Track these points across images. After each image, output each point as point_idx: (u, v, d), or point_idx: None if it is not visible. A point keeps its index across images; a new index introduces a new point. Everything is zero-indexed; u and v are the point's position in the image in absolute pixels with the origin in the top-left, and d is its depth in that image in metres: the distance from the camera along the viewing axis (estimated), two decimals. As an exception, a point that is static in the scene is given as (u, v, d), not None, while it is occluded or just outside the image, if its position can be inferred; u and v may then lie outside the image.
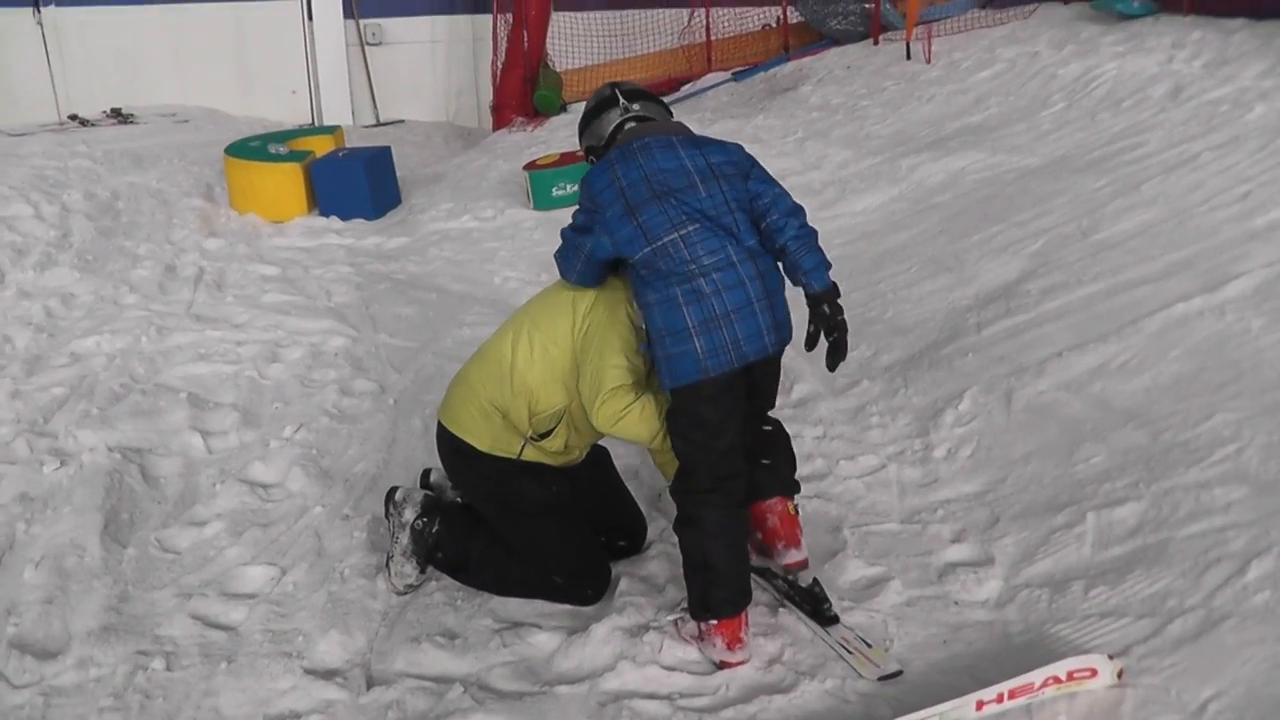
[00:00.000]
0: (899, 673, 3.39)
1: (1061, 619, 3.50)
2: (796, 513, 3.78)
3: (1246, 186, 6.10)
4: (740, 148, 3.67)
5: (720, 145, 3.63)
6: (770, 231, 3.48)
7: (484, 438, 3.79)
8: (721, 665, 3.45)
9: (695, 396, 3.43)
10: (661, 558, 4.02)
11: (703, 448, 3.48)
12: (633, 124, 3.72)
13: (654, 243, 3.43)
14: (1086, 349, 4.98)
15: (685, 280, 3.39)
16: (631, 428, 3.57)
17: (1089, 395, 4.70)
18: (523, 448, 3.79)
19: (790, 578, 3.76)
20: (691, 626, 3.53)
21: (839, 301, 3.52)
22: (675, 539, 3.95)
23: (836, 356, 3.52)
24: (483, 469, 3.84)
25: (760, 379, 3.64)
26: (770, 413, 3.86)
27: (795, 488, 3.84)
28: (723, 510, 3.47)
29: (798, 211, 3.52)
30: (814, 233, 3.53)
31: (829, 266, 3.53)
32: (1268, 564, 3.36)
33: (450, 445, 3.90)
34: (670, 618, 3.62)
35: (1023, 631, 3.51)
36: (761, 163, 3.66)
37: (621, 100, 3.77)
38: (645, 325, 3.54)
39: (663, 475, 3.87)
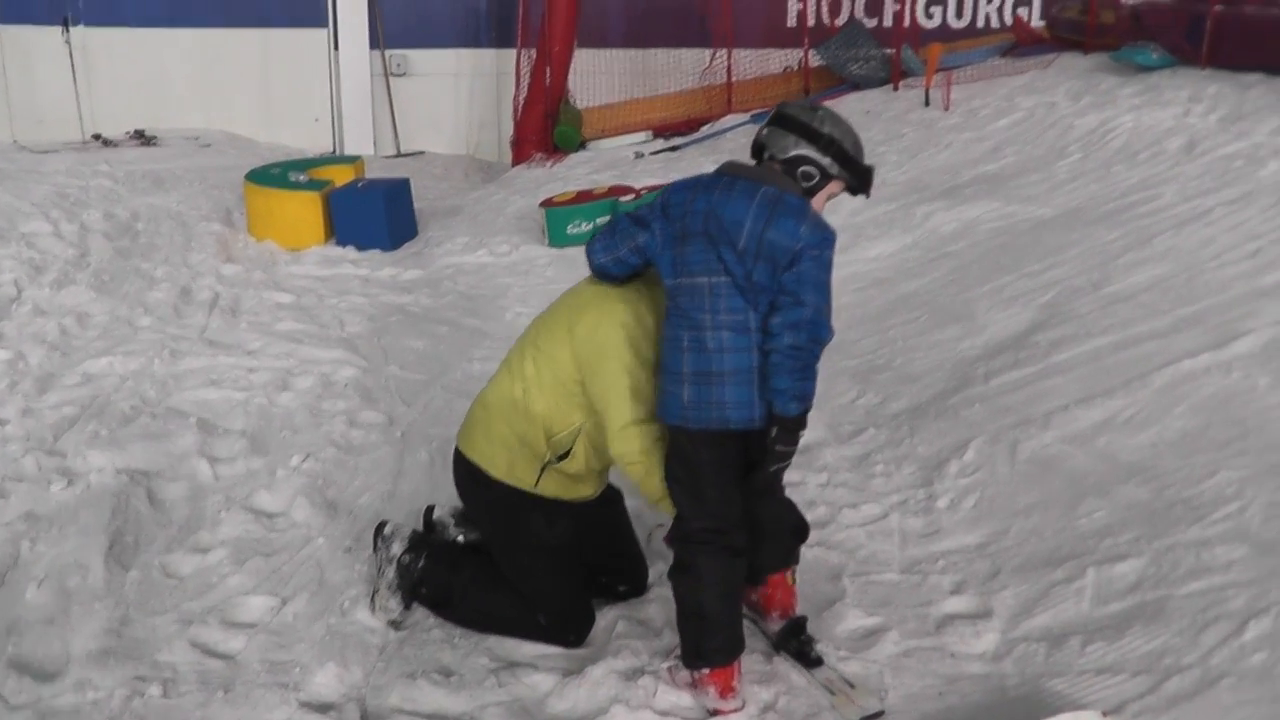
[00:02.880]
0: (880, 713, 3.41)
1: (1058, 674, 3.50)
2: (794, 581, 3.81)
3: (1257, 243, 6.13)
4: (815, 237, 3.27)
5: (791, 223, 3.26)
6: (767, 332, 3.29)
7: (499, 464, 3.77)
8: (714, 714, 3.45)
9: (686, 438, 3.42)
10: (659, 601, 4.01)
11: (693, 494, 3.46)
12: (756, 156, 3.51)
13: (684, 277, 3.37)
14: (1093, 403, 4.99)
15: (695, 329, 3.33)
16: (634, 478, 3.60)
17: (1094, 449, 4.70)
18: (540, 476, 3.75)
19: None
20: (685, 674, 3.53)
21: (796, 433, 3.37)
22: (672, 583, 3.97)
23: (760, 480, 3.47)
24: (495, 497, 3.81)
25: (759, 454, 3.48)
26: None
27: (797, 558, 3.84)
28: (718, 559, 3.44)
29: (803, 328, 3.25)
30: (806, 354, 3.28)
31: (800, 397, 3.30)
32: (1266, 624, 3.37)
33: (465, 469, 3.88)
34: (665, 664, 3.62)
35: (1019, 685, 3.51)
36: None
37: (767, 121, 3.51)
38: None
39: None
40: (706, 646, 3.44)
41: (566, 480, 3.80)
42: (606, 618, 3.94)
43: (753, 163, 3.50)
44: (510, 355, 3.85)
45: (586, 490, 3.91)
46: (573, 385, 3.62)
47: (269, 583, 4.19)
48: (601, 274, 3.68)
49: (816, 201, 3.41)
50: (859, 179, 3.48)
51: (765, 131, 3.45)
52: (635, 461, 3.54)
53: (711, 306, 3.31)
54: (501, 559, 3.87)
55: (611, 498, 4.15)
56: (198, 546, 4.45)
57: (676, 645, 3.61)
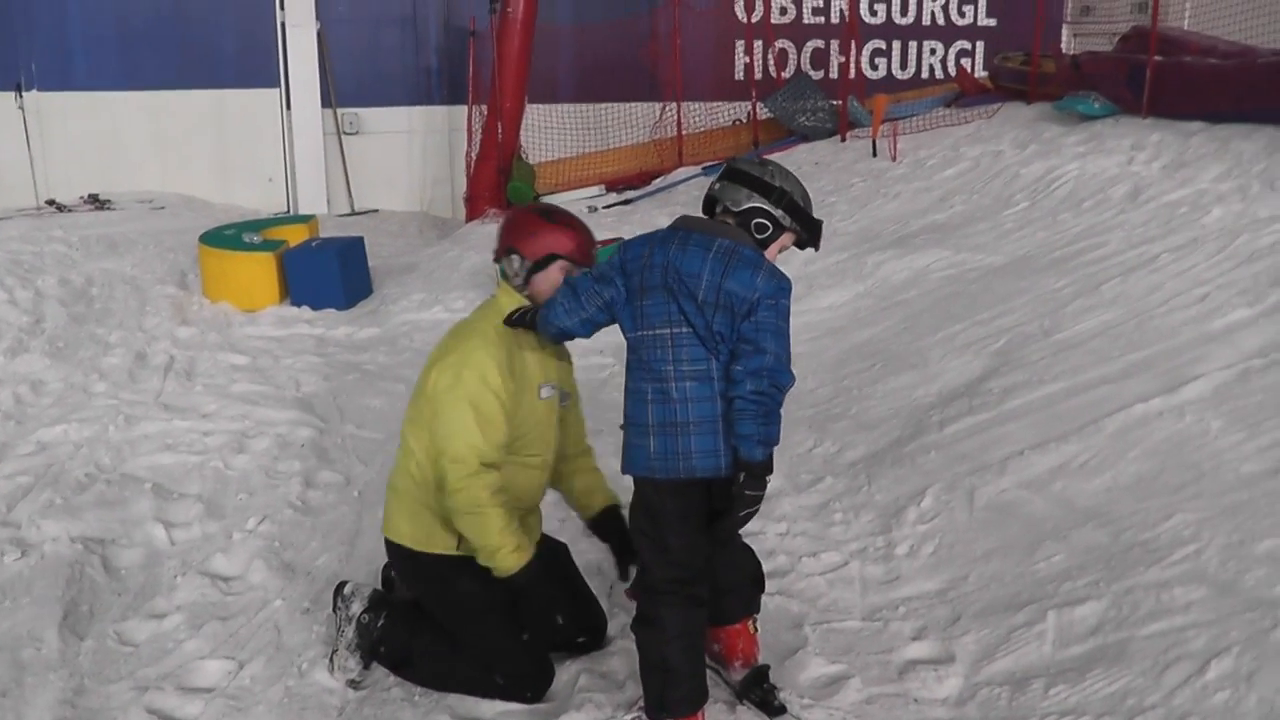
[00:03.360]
0: None
1: (1021, 717, 3.51)
2: (756, 630, 3.81)
3: (1204, 289, 6.23)
4: (770, 286, 3.32)
5: (748, 274, 3.30)
6: (730, 380, 3.29)
7: (420, 538, 3.85)
8: None
9: (651, 488, 3.43)
10: (622, 654, 3.99)
11: (658, 545, 3.45)
12: (709, 210, 3.55)
13: (645, 330, 3.39)
14: (1048, 448, 5.04)
15: (658, 380, 3.35)
16: (469, 530, 3.65)
17: (1050, 494, 4.75)
18: (459, 538, 3.79)
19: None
20: (637, 710, 3.53)
21: (763, 478, 3.37)
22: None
23: (727, 527, 3.46)
24: (425, 569, 3.88)
25: (723, 503, 3.47)
26: None
27: (758, 606, 3.86)
28: (681, 610, 3.44)
29: (764, 375, 3.27)
30: (768, 401, 3.29)
31: (765, 442, 3.31)
32: (1228, 663, 3.40)
33: (394, 553, 3.97)
34: (628, 716, 3.61)
35: (982, 731, 3.52)
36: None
37: (719, 176, 3.55)
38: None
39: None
40: (670, 698, 3.44)
41: None
42: (569, 671, 3.92)
43: (705, 217, 3.54)
44: (401, 433, 3.95)
45: None
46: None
47: (226, 646, 4.14)
48: (562, 338, 3.75)
49: (769, 253, 3.45)
50: (809, 231, 3.53)
51: (718, 186, 3.49)
52: (470, 512, 3.60)
53: (674, 357, 3.34)
54: (450, 626, 3.87)
55: (557, 551, 4.19)
56: (153, 613, 4.40)
57: (639, 698, 3.60)
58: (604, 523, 4.11)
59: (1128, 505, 4.50)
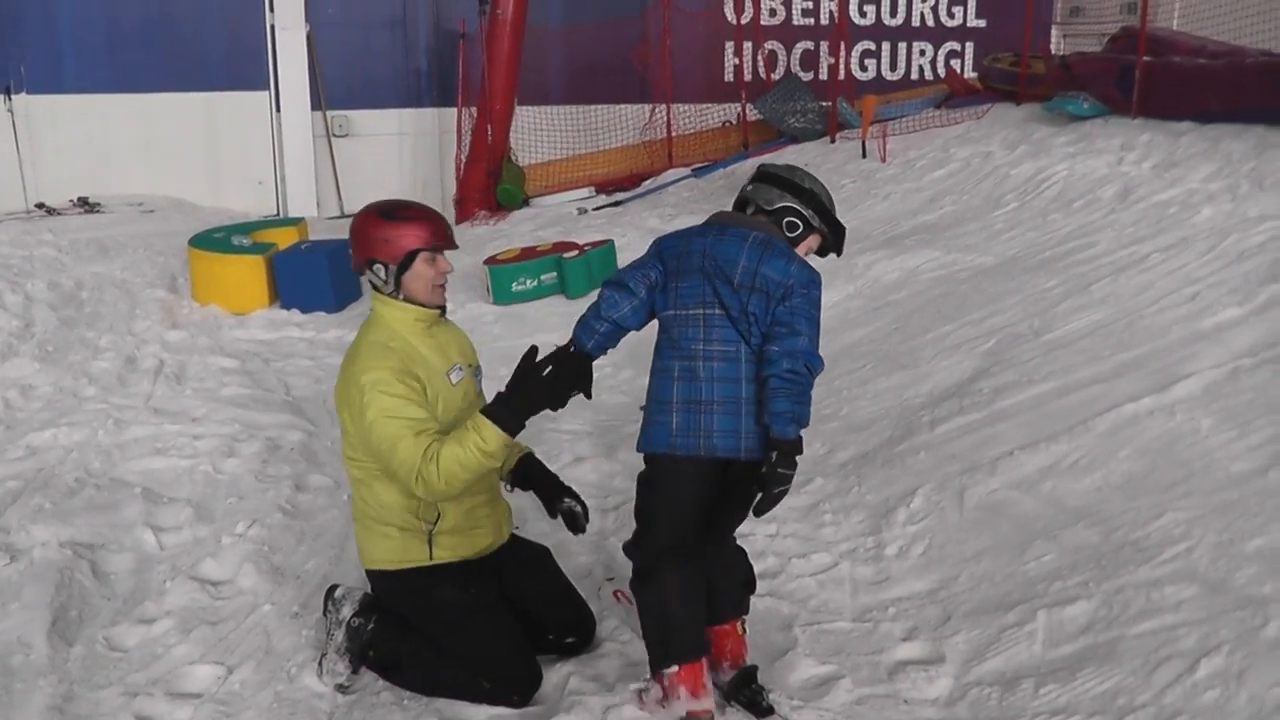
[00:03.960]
0: None
1: (1012, 717, 3.53)
2: (744, 631, 3.84)
3: (1195, 288, 6.24)
4: (804, 275, 3.55)
5: (782, 262, 3.51)
6: (764, 360, 3.44)
7: (394, 557, 3.85)
8: (689, 717, 3.50)
9: (664, 466, 3.54)
10: (612, 656, 4.01)
11: (665, 514, 3.57)
12: (740, 210, 3.74)
13: (678, 309, 3.57)
14: (1038, 448, 5.05)
15: (688, 358, 3.52)
16: (465, 471, 3.54)
17: (1041, 494, 4.76)
18: (431, 547, 3.82)
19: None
20: (655, 691, 3.57)
21: (794, 456, 3.45)
22: (625, 638, 3.99)
23: (761, 505, 3.47)
24: (405, 584, 3.88)
25: (732, 494, 3.62)
26: None
27: (747, 608, 3.88)
28: (679, 566, 3.54)
29: (799, 356, 3.43)
30: (802, 381, 3.45)
31: (798, 420, 3.44)
32: (1218, 662, 3.41)
33: (374, 580, 3.99)
34: (634, 687, 3.65)
35: (972, 731, 3.53)
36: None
37: (751, 179, 3.77)
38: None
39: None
40: (674, 645, 3.53)
41: (457, 538, 3.87)
42: (559, 674, 3.91)
43: (740, 213, 3.72)
44: (345, 468, 3.96)
45: (484, 539, 3.97)
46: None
47: (215, 651, 4.13)
48: (616, 334, 3.75)
49: (798, 251, 3.64)
50: (834, 234, 3.78)
51: (750, 187, 3.72)
52: (444, 476, 3.51)
53: (705, 337, 3.51)
54: (437, 636, 3.86)
55: (540, 556, 4.19)
56: (143, 618, 4.38)
57: (639, 678, 3.65)
58: (523, 472, 4.10)
59: (1118, 504, 4.51)
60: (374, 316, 3.82)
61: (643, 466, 3.69)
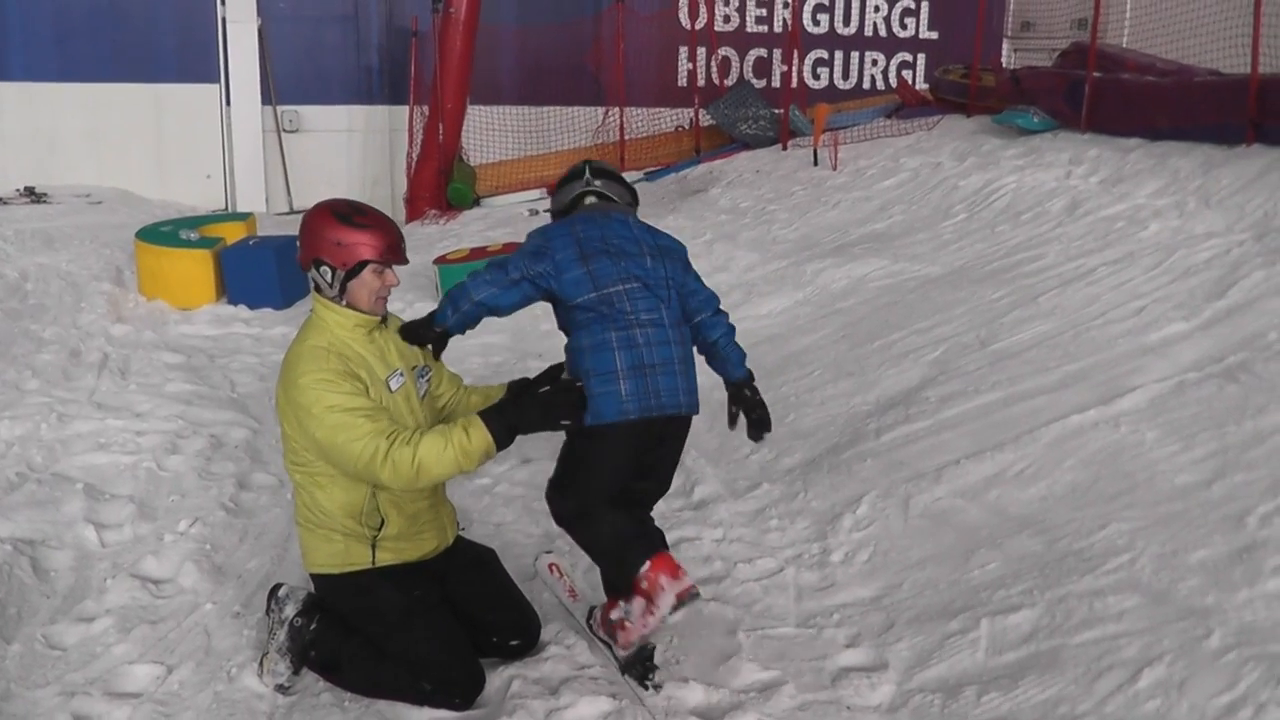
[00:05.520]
0: None
1: (954, 725, 3.54)
2: None
3: (1141, 302, 6.30)
4: (683, 246, 4.15)
5: (668, 235, 4.11)
6: (703, 326, 4.04)
7: (336, 561, 3.82)
8: (678, 601, 3.59)
9: (597, 439, 3.68)
10: (557, 659, 3.98)
11: (599, 474, 3.75)
12: (593, 199, 4.07)
13: (600, 289, 3.75)
14: (984, 457, 5.08)
15: (623, 328, 3.71)
16: (439, 466, 3.52)
17: (985, 503, 4.79)
18: (373, 551, 3.80)
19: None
20: (636, 604, 3.63)
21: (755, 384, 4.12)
22: (569, 641, 4.00)
23: (762, 429, 4.14)
24: (347, 587, 3.85)
25: (659, 459, 3.92)
26: (663, 513, 3.96)
27: None
28: (606, 505, 3.74)
29: (724, 312, 4.13)
30: (734, 329, 4.14)
31: (746, 357, 4.14)
32: (1160, 671, 3.44)
33: (319, 585, 3.95)
34: (615, 615, 3.73)
35: (914, 738, 3.54)
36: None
37: (587, 174, 4.11)
38: (570, 367, 3.78)
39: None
40: (634, 550, 3.67)
41: (401, 543, 3.85)
42: (501, 677, 3.89)
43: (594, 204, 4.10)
44: (287, 471, 3.93)
45: (429, 543, 3.96)
46: (325, 465, 3.69)
47: (155, 651, 4.08)
48: (480, 313, 3.92)
49: None
50: None
51: (600, 182, 4.13)
52: (414, 469, 3.49)
53: (633, 308, 3.76)
54: (378, 642, 3.83)
55: (485, 559, 4.17)
56: (82, 616, 4.31)
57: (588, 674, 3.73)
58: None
59: (1063, 514, 4.55)
60: (314, 319, 3.76)
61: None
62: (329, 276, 3.67)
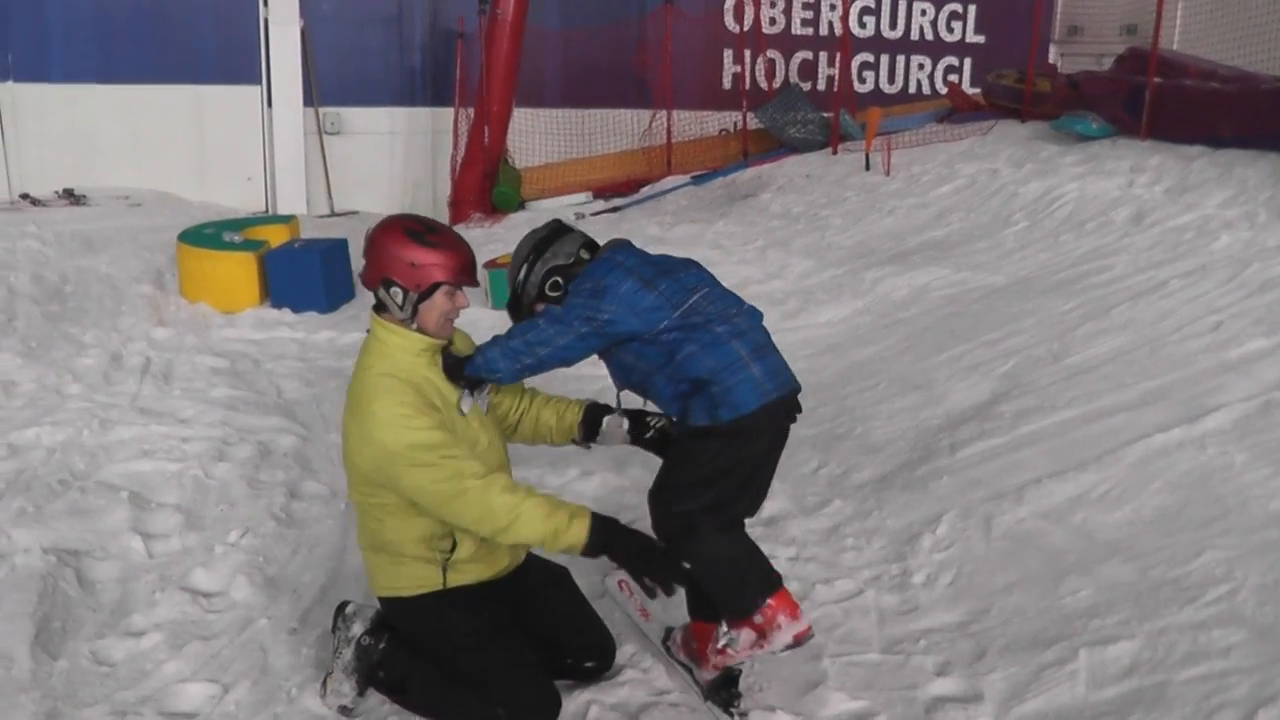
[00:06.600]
0: None
1: (1059, 765, 3.34)
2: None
3: (1217, 317, 6.11)
4: None
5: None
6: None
7: (407, 585, 3.65)
8: (794, 641, 3.43)
9: (738, 436, 3.41)
10: (633, 684, 3.81)
11: (711, 496, 3.46)
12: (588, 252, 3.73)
13: (680, 305, 3.47)
14: (1066, 477, 4.89)
15: (724, 321, 3.47)
16: (525, 531, 3.37)
17: (1070, 525, 4.59)
18: (445, 573, 3.62)
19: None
20: (745, 636, 3.46)
21: None
22: (645, 664, 3.83)
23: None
24: (418, 609, 3.68)
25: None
26: None
27: None
28: (720, 522, 3.49)
29: None
30: None
31: None
32: (1275, 713, 3.25)
33: (389, 609, 3.77)
34: (720, 644, 3.52)
35: (1019, 778, 3.34)
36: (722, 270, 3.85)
37: (566, 224, 3.81)
38: (679, 384, 3.47)
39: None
40: (755, 577, 3.47)
41: (473, 564, 3.67)
42: (577, 702, 3.71)
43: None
44: (349, 499, 3.78)
45: (501, 561, 3.75)
46: (401, 500, 3.51)
47: (208, 669, 3.91)
48: (549, 368, 3.61)
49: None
50: None
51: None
52: (511, 524, 3.34)
53: (717, 307, 3.52)
54: (450, 663, 3.66)
55: (559, 576, 3.97)
56: (130, 631, 4.15)
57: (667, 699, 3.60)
58: (598, 422, 3.93)
59: (1153, 540, 4.35)
60: (376, 343, 3.56)
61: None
62: (400, 298, 3.48)
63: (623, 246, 3.69)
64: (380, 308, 3.56)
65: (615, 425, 3.87)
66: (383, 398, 3.40)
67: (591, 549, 3.37)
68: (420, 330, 3.52)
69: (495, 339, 3.60)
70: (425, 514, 3.49)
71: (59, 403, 6.40)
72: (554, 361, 3.55)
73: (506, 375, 3.59)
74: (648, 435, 3.85)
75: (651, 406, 3.71)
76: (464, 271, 3.51)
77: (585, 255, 3.65)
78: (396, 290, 3.47)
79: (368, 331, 3.62)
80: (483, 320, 8.75)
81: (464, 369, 3.59)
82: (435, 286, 3.47)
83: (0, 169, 13.49)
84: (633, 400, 3.73)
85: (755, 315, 3.61)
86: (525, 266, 3.65)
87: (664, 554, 3.43)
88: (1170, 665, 3.60)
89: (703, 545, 3.44)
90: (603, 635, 3.92)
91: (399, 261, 3.45)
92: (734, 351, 3.41)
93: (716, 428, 3.37)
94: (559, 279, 3.61)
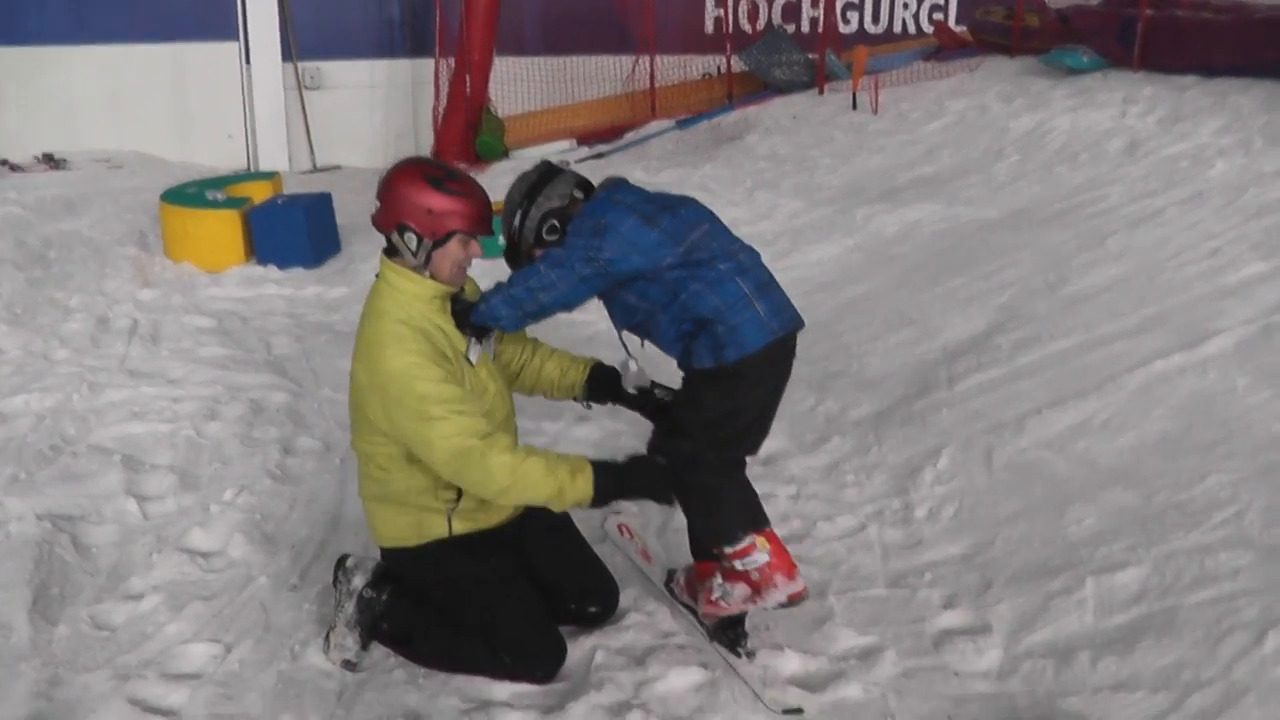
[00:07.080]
0: (800, 710, 3.34)
1: (1071, 692, 3.33)
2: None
3: (1214, 243, 6.07)
4: None
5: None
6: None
7: (410, 535, 3.63)
8: (789, 601, 3.40)
9: (743, 376, 3.36)
10: (638, 627, 3.78)
11: (717, 433, 3.43)
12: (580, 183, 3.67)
13: (683, 241, 3.39)
14: (1066, 406, 4.85)
15: (727, 258, 3.41)
16: (530, 492, 3.34)
17: (1073, 454, 4.56)
18: (450, 523, 3.60)
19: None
20: (739, 590, 3.45)
21: None
22: (649, 608, 3.82)
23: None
24: (418, 561, 3.66)
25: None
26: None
27: None
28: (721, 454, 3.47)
29: None
30: None
31: None
32: (1285, 635, 3.21)
33: (392, 559, 3.74)
34: (714, 596, 3.51)
35: (1030, 706, 3.34)
36: (714, 211, 3.66)
37: (558, 166, 3.69)
38: (682, 324, 3.41)
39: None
40: (744, 513, 3.47)
41: (478, 512, 3.64)
42: (582, 648, 3.68)
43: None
44: (351, 445, 3.72)
45: (506, 508, 3.71)
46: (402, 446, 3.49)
47: (210, 628, 3.86)
48: (553, 312, 3.52)
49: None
50: None
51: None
52: (511, 485, 3.30)
53: (720, 244, 3.46)
54: (455, 614, 3.64)
55: (560, 523, 3.93)
56: (129, 594, 4.09)
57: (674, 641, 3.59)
58: (602, 383, 3.92)
59: (1156, 465, 4.32)
60: (386, 288, 3.49)
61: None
62: (414, 244, 3.40)
63: (620, 184, 3.60)
64: (391, 251, 3.49)
65: (638, 370, 3.81)
66: (393, 345, 3.35)
67: (599, 501, 3.35)
68: (433, 277, 3.46)
69: (498, 286, 3.51)
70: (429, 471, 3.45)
71: (47, 368, 6.31)
72: (557, 306, 3.47)
73: (510, 323, 3.51)
74: (654, 403, 3.82)
75: (650, 349, 3.64)
76: (482, 221, 3.45)
77: (579, 195, 3.56)
78: (411, 236, 3.40)
79: (376, 275, 3.55)
80: (473, 269, 8.70)
81: (470, 316, 3.53)
82: (450, 234, 3.40)
83: (-23, 135, 13.32)
84: (632, 342, 3.66)
85: (754, 253, 3.53)
86: (520, 213, 3.55)
87: (664, 471, 3.42)
88: (1179, 590, 3.57)
89: (704, 479, 3.42)
90: (606, 580, 3.90)
91: (416, 207, 3.38)
92: (738, 289, 3.34)
93: (722, 369, 3.31)
94: (555, 221, 3.52)
